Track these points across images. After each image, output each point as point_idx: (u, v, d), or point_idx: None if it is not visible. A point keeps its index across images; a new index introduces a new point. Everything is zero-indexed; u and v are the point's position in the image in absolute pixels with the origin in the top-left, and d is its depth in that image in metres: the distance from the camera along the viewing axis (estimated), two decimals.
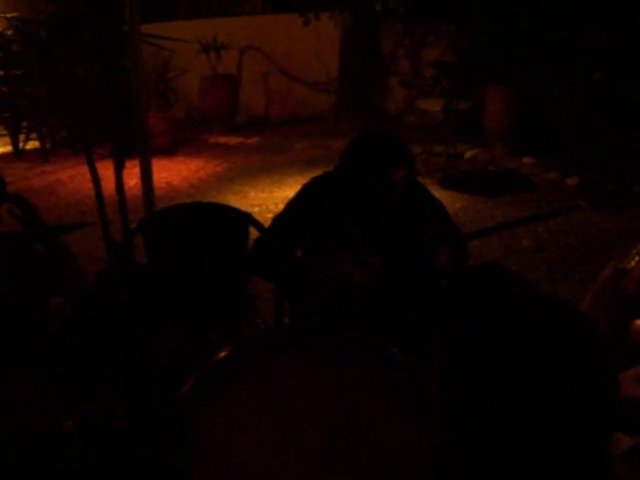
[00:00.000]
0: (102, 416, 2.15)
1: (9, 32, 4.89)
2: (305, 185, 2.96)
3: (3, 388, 2.27)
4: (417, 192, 2.97)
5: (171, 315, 2.83)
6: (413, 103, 9.42)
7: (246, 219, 3.23)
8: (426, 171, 7.82)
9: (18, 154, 9.60)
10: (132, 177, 6.30)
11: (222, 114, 10.55)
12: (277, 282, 3.01)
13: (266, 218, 6.28)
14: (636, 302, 2.90)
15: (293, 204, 2.94)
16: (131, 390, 2.30)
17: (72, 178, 8.46)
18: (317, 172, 3.02)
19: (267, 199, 7.33)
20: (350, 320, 2.74)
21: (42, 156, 9.18)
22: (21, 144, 9.57)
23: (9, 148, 9.69)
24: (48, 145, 8.83)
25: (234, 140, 10.12)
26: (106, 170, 5.33)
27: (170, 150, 9.67)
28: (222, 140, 10.16)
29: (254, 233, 3.22)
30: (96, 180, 4.08)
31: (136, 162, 4.51)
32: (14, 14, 4.87)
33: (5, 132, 9.37)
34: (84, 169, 4.87)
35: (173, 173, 8.75)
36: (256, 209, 7.06)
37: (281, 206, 3.01)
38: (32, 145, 9.33)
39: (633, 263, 3.13)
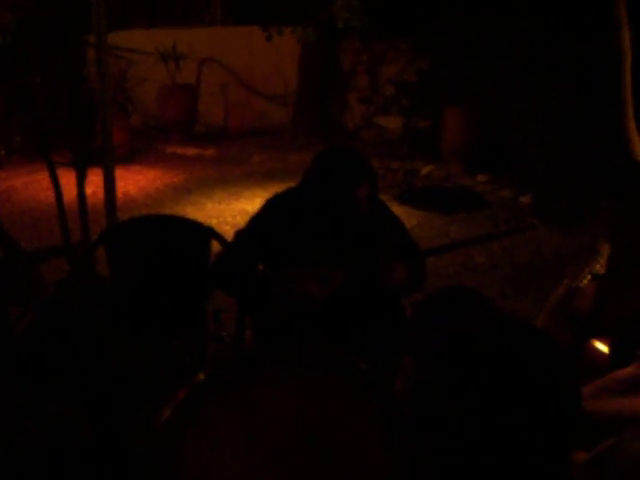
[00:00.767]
0: (67, 429, 2.14)
1: None
2: (268, 200, 2.99)
3: None
4: (377, 208, 3.02)
5: (133, 325, 2.83)
6: (371, 119, 9.52)
7: (208, 232, 3.25)
8: (383, 186, 7.84)
9: None
10: (89, 185, 6.25)
11: (180, 124, 10.53)
12: (238, 296, 3.03)
13: (223, 230, 6.28)
14: (589, 320, 2.99)
15: (256, 218, 2.96)
16: (94, 401, 2.30)
17: (26, 185, 8.35)
18: (274, 185, 3.06)
19: (224, 211, 7.33)
20: (310, 335, 2.78)
21: None
22: None
23: None
24: (2, 152, 8.71)
25: (191, 151, 10.09)
26: (62, 178, 5.30)
27: (127, 159, 9.59)
28: (179, 150, 10.13)
29: (216, 246, 3.24)
30: (57, 188, 4.05)
31: (93, 170, 4.46)
32: None
33: None
34: (39, 176, 4.84)
35: (130, 183, 8.68)
36: (213, 221, 7.04)
37: (239, 218, 3.04)
38: None
39: (585, 281, 3.22)
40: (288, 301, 2.78)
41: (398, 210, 7.34)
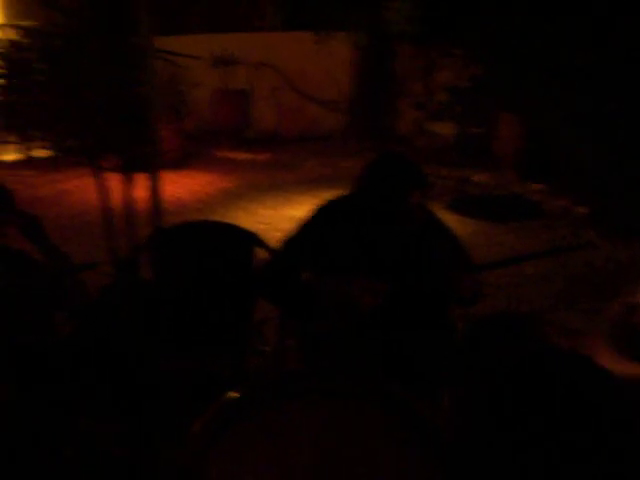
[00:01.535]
0: (103, 441, 2.11)
1: (25, 40, 4.88)
2: (318, 207, 2.92)
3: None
4: (427, 218, 2.93)
5: (175, 336, 2.79)
6: (423, 125, 9.41)
7: (252, 239, 3.19)
8: (434, 194, 7.77)
9: (28, 162, 9.63)
10: (138, 189, 6.28)
11: (232, 129, 10.57)
12: (284, 306, 2.97)
13: (273, 236, 6.22)
14: None
15: (306, 226, 2.89)
16: (134, 412, 2.27)
17: (79, 188, 8.44)
18: (325, 191, 2.99)
19: (275, 217, 7.30)
20: (355, 346, 2.71)
21: (52, 165, 9.17)
22: (32, 152, 9.60)
23: (21, 156, 9.72)
24: (56, 155, 8.84)
25: (243, 156, 10.11)
26: (111, 181, 5.31)
27: (179, 164, 9.66)
28: (231, 155, 10.16)
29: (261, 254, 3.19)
30: (103, 192, 4.05)
31: (142, 174, 4.45)
32: (30, 22, 4.86)
33: (17, 140, 9.42)
34: (91, 179, 4.84)
35: (181, 187, 8.73)
36: (263, 227, 7.03)
37: (289, 224, 2.97)
38: (43, 154, 9.32)
39: None
40: (335, 311, 2.71)
41: (450, 218, 7.28)
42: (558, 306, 5.15)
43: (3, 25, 7.53)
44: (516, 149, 7.91)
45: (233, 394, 1.57)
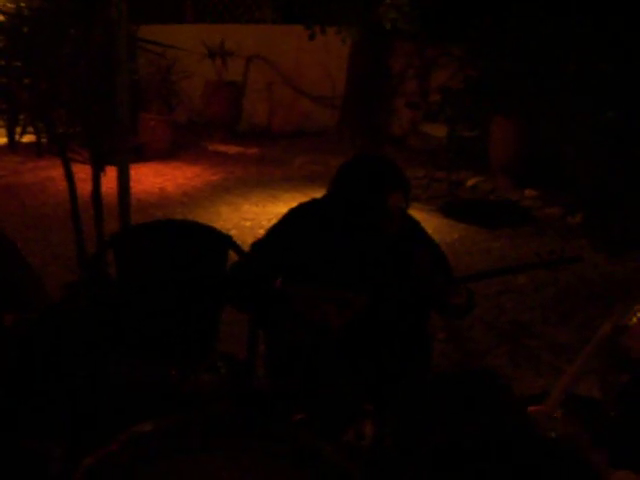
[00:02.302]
0: (41, 458, 1.94)
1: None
2: (290, 211, 2.76)
3: None
4: (409, 226, 2.75)
5: (132, 340, 2.62)
6: (418, 126, 9.24)
7: (226, 242, 3.01)
8: (427, 197, 7.63)
9: (13, 147, 9.42)
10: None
11: (224, 121, 10.39)
12: (251, 313, 2.79)
13: (257, 234, 6.08)
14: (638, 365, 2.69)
15: (275, 230, 2.73)
16: (76, 427, 2.09)
17: (63, 176, 8.24)
18: (314, 189, 2.83)
19: (260, 214, 7.13)
20: (322, 363, 2.54)
21: (36, 151, 8.96)
22: (17, 137, 9.39)
23: (4, 140, 9.51)
24: (43, 140, 8.62)
25: (234, 149, 9.93)
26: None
27: (168, 155, 9.48)
28: (222, 148, 9.97)
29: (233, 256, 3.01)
30: (71, 186, 3.88)
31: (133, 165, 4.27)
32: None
33: (2, 124, 9.20)
34: (76, 167, 4.65)
35: (168, 179, 8.55)
36: (248, 223, 6.86)
37: (274, 222, 2.81)
38: (28, 139, 9.11)
39: (635, 320, 2.92)
40: (302, 323, 2.54)
41: (441, 222, 7.13)
42: (550, 319, 5.00)
43: None
44: (509, 154, 7.74)
45: (143, 428, 1.40)
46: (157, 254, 2.94)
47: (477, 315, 4.78)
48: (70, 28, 3.26)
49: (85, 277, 3.37)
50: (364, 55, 9.57)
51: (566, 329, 4.83)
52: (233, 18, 11.05)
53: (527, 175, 7.72)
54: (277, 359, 2.71)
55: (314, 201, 2.79)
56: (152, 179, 8.49)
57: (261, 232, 6.04)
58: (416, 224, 2.81)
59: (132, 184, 8.20)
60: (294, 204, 2.81)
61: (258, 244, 2.75)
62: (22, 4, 3.60)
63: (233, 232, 6.54)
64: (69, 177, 3.82)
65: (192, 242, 3.00)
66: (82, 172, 4.96)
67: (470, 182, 8.17)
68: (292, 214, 2.76)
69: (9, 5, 4.55)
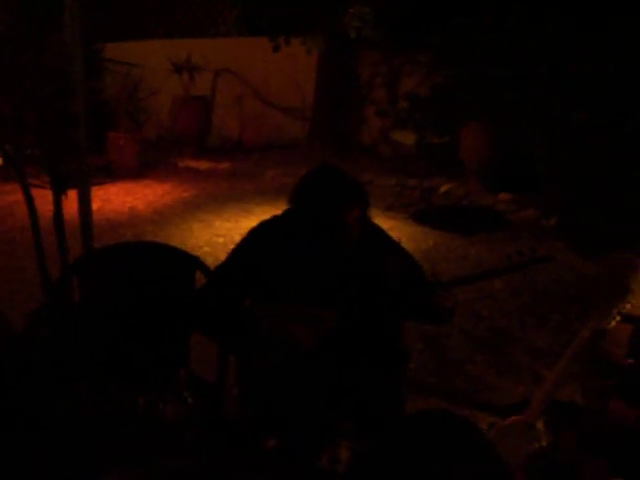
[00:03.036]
0: None
1: None
2: (252, 230, 2.70)
3: None
4: (374, 237, 2.68)
5: (98, 368, 2.52)
6: (388, 134, 9.19)
7: (193, 263, 2.92)
8: (399, 205, 7.58)
9: None
10: (95, 200, 5.98)
11: (193, 137, 10.29)
12: (219, 338, 2.70)
13: (230, 250, 5.99)
14: (621, 370, 2.63)
15: (237, 251, 2.67)
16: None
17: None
18: (286, 202, 2.73)
19: (233, 229, 7.03)
20: (296, 384, 2.46)
21: (2, 175, 8.80)
22: None
23: None
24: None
25: (204, 165, 9.83)
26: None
27: (138, 173, 9.36)
28: (192, 164, 9.87)
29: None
30: (32, 210, 3.77)
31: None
32: None
33: None
34: (45, 191, 4.54)
35: (138, 197, 8.43)
36: (221, 239, 6.77)
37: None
38: None
39: (614, 323, 2.86)
40: (272, 344, 2.45)
41: (415, 230, 7.07)
42: (527, 322, 4.96)
43: None
44: (482, 158, 7.71)
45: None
46: (121, 277, 2.84)
47: (455, 323, 4.72)
48: (21, 53, 3.17)
49: (48, 304, 3.27)
50: (331, 65, 9.53)
51: (544, 333, 4.79)
52: (200, 32, 10.95)
53: (500, 179, 7.69)
54: (248, 383, 2.63)
55: (274, 218, 2.73)
56: (122, 198, 8.37)
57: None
58: (384, 235, 2.74)
59: (102, 204, 8.07)
60: (266, 218, 2.75)
61: (221, 267, 2.68)
62: None
63: (205, 249, 6.46)
64: (29, 202, 3.73)
65: (157, 264, 2.91)
66: (49, 195, 4.87)
67: (443, 188, 8.14)
68: (253, 233, 2.71)
69: None
